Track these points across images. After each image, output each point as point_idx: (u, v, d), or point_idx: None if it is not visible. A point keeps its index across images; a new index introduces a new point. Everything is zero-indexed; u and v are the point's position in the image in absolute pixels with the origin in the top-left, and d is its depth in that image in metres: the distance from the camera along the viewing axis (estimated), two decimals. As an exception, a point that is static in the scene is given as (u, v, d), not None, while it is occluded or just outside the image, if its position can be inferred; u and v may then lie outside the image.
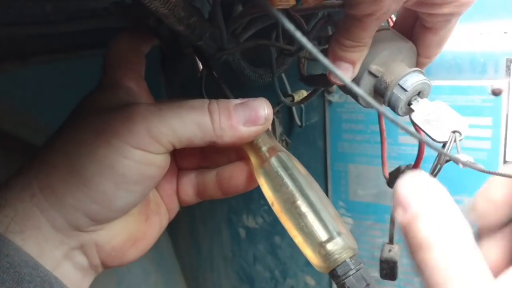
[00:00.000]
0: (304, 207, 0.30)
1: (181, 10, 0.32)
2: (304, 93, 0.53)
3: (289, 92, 0.60)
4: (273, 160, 0.32)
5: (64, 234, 0.29)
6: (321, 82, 0.45)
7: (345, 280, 0.28)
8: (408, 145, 0.58)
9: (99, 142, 0.29)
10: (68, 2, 0.43)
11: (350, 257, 0.29)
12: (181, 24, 0.33)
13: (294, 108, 0.64)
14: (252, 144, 0.33)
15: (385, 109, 0.19)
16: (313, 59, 0.42)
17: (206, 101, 0.31)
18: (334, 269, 0.28)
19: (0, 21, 0.46)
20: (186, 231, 0.93)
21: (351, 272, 0.28)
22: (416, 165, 0.42)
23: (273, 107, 0.50)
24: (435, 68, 0.54)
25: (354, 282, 0.28)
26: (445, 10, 0.30)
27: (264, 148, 0.33)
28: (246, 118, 0.31)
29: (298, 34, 0.14)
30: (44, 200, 0.28)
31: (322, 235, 0.29)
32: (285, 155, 0.33)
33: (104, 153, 0.29)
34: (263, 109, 0.32)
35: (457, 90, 0.53)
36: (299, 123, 0.64)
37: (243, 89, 0.59)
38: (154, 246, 0.39)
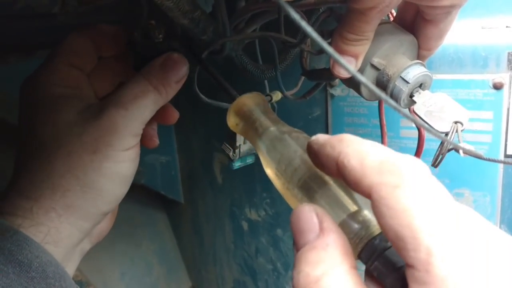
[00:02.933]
0: (322, 175, 0.27)
1: (186, 4, 0.32)
2: (279, 95, 0.54)
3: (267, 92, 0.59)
4: (273, 129, 0.33)
5: (82, 237, 0.36)
6: (324, 76, 0.46)
7: (385, 253, 0.23)
8: (409, 139, 0.59)
9: (100, 158, 0.34)
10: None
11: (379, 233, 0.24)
12: (186, 18, 0.34)
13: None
14: (250, 119, 0.35)
15: (387, 97, 0.19)
16: (316, 53, 0.42)
17: (142, 80, 0.36)
18: (368, 243, 0.24)
19: (6, 13, 0.47)
20: (189, 224, 0.94)
21: (388, 245, 0.23)
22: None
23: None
24: (437, 61, 0.54)
25: (390, 257, 0.23)
26: (445, 2, 0.30)
27: (261, 120, 0.34)
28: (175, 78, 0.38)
29: (304, 23, 0.15)
30: (69, 215, 0.34)
31: (350, 205, 0.26)
32: (285, 125, 0.33)
33: (107, 166, 0.34)
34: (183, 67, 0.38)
35: (459, 83, 0.54)
36: None
37: (242, 83, 0.60)
38: (157, 239, 0.42)
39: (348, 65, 0.18)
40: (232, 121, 0.37)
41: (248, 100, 0.36)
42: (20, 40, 0.59)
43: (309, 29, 0.15)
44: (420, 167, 0.21)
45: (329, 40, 0.36)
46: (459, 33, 0.53)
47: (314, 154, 0.25)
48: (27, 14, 0.45)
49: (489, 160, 0.23)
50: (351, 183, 0.22)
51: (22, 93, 0.37)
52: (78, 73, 0.37)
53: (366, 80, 0.17)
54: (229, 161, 0.51)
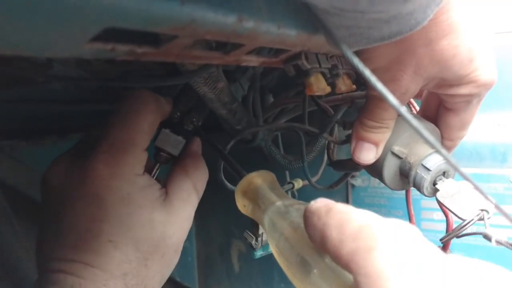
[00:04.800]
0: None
1: (226, 96, 0.35)
2: (300, 182, 0.55)
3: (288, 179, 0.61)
4: (277, 204, 0.31)
5: None
6: (348, 166, 0.47)
7: None
8: (431, 231, 0.59)
9: (178, 256, 0.37)
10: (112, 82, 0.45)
11: None
12: (224, 109, 0.36)
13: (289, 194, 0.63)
14: (256, 196, 0.34)
15: (413, 120, 0.21)
16: (340, 143, 0.45)
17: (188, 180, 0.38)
18: None
19: (43, 98, 0.50)
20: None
21: None
22: (445, 247, 0.42)
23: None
24: (456, 156, 0.56)
25: None
26: (464, 90, 0.31)
27: (266, 196, 0.33)
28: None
29: (366, 71, 0.17)
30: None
31: (348, 279, 0.24)
32: (289, 199, 0.32)
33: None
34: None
35: (479, 177, 0.55)
36: None
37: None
38: None
39: (388, 94, 0.19)
40: (240, 202, 0.35)
41: (255, 178, 0.35)
42: (55, 124, 0.63)
43: (369, 74, 0.17)
44: (403, 229, 0.21)
45: (350, 132, 0.38)
46: (477, 129, 0.55)
47: (305, 225, 0.25)
48: (61, 98, 0.48)
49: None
50: (332, 256, 0.22)
51: (101, 182, 0.34)
52: (146, 155, 0.36)
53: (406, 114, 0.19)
54: (250, 249, 0.51)
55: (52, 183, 0.35)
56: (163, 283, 0.36)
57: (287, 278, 0.75)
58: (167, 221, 0.34)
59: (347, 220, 0.22)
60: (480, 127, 0.56)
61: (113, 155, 0.34)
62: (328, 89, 0.29)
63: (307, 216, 0.25)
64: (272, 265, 0.76)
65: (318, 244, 0.24)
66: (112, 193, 0.33)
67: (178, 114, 0.39)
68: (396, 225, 0.22)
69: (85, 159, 0.34)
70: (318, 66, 0.28)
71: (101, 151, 0.34)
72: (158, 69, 0.34)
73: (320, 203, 0.25)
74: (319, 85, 0.28)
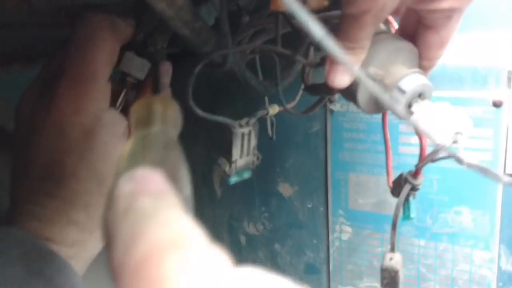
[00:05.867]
0: None
1: (187, 14, 0.32)
2: (276, 108, 0.54)
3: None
4: None
5: None
6: (323, 90, 0.46)
7: None
8: (408, 155, 0.59)
9: None
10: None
11: None
12: (187, 28, 0.34)
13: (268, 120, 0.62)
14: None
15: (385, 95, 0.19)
16: (315, 66, 0.42)
17: None
18: None
19: (11, 22, 0.47)
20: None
21: None
22: (417, 172, 0.42)
23: (251, 118, 0.50)
24: (436, 79, 0.55)
25: None
26: (444, 4, 0.29)
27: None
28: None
29: (306, 17, 0.15)
30: None
31: None
32: None
33: None
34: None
35: (459, 101, 0.54)
36: (270, 135, 0.63)
37: (241, 97, 0.60)
38: None
39: (349, 60, 0.17)
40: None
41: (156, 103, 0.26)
42: (23, 49, 0.60)
43: (313, 25, 0.15)
44: (202, 270, 0.13)
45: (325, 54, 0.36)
46: (458, 51, 0.53)
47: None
48: (28, 22, 0.46)
49: (492, 176, 0.23)
50: None
51: (63, 117, 0.34)
52: (109, 86, 0.36)
53: (365, 76, 0.17)
54: (226, 177, 0.51)
55: (23, 113, 0.36)
56: None
57: (268, 201, 0.76)
58: None
59: (138, 236, 0.14)
60: (463, 49, 0.53)
61: (75, 89, 0.34)
62: (325, 3, 0.27)
63: (109, 198, 0.17)
64: (252, 190, 0.76)
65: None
66: (75, 128, 0.34)
67: (142, 35, 0.37)
68: (202, 261, 0.13)
69: (51, 91, 0.34)
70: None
71: (62, 85, 0.34)
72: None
73: (130, 185, 0.16)
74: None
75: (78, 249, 0.35)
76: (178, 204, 0.15)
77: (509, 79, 0.51)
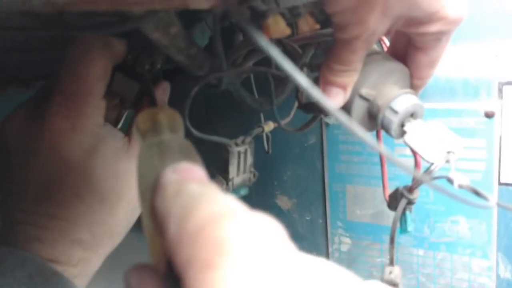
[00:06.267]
0: None
1: (181, 42, 0.33)
2: (271, 125, 0.54)
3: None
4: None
5: None
6: (317, 109, 0.46)
7: None
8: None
9: None
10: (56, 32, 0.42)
11: None
12: (182, 55, 0.34)
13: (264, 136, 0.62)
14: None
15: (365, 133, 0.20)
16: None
17: None
18: None
19: (5, 47, 0.48)
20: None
21: None
22: (412, 187, 0.42)
23: (247, 136, 0.50)
24: (429, 91, 0.55)
25: None
26: (433, 28, 0.30)
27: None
28: None
29: (284, 61, 0.15)
30: None
31: None
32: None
33: None
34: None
35: (451, 112, 0.55)
36: (266, 149, 0.64)
37: (237, 114, 0.60)
38: None
39: (325, 100, 0.18)
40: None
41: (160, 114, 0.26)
42: (18, 72, 0.60)
43: (289, 68, 0.16)
44: (258, 233, 0.15)
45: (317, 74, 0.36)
46: (450, 63, 0.54)
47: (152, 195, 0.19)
48: (23, 47, 0.46)
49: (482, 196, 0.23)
50: (169, 255, 0.16)
51: (59, 136, 0.33)
52: (104, 103, 0.35)
53: (346, 117, 0.18)
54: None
55: (11, 135, 0.34)
56: (130, 226, 0.37)
57: (266, 214, 0.76)
58: (132, 170, 0.33)
59: (192, 210, 0.16)
60: (454, 61, 0.54)
61: (70, 107, 0.33)
62: (287, 31, 0.27)
63: (155, 187, 0.19)
64: (251, 203, 0.76)
65: (158, 231, 0.18)
66: (74, 147, 0.33)
67: (130, 57, 0.37)
68: (249, 228, 0.15)
69: (42, 112, 0.33)
70: (276, 6, 0.26)
71: (57, 103, 0.33)
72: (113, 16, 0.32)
73: (175, 175, 0.18)
74: (277, 27, 0.26)
75: (83, 267, 0.34)
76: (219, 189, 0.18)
77: (500, 90, 0.52)
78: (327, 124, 0.64)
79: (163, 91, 0.40)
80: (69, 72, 0.33)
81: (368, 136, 0.19)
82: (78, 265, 0.34)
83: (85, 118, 0.33)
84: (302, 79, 0.14)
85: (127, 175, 0.35)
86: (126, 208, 0.35)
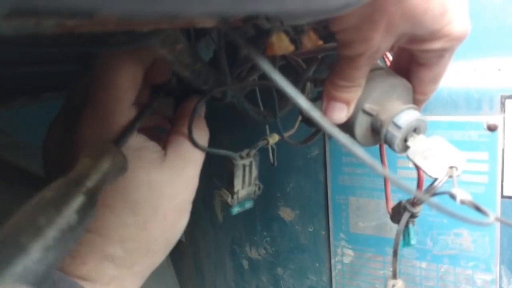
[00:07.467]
0: None
1: (187, 57, 0.33)
2: (276, 137, 0.54)
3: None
4: None
5: None
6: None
7: None
8: (407, 179, 0.59)
9: (185, 216, 0.38)
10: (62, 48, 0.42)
11: None
12: (187, 70, 0.35)
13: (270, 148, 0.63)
14: None
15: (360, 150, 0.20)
16: (312, 101, 0.43)
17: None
18: None
19: (13, 59, 0.49)
20: (190, 262, 0.93)
21: None
22: (414, 201, 0.42)
23: (252, 149, 0.51)
24: (431, 104, 0.56)
25: None
26: (437, 45, 0.30)
27: None
28: None
29: (285, 85, 0.16)
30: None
31: None
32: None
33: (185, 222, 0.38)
34: None
35: (454, 125, 0.55)
36: (271, 161, 0.64)
37: (242, 126, 0.61)
38: (158, 277, 0.40)
39: (318, 115, 0.18)
40: None
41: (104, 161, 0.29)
42: (27, 84, 0.61)
43: (289, 89, 0.16)
44: None
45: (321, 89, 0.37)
46: (452, 76, 0.55)
47: None
48: (33, 60, 0.47)
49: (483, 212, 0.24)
50: None
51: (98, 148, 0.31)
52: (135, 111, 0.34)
53: (338, 131, 0.18)
54: (227, 206, 0.51)
55: (49, 150, 0.35)
56: (170, 246, 0.36)
57: (269, 226, 0.76)
58: (167, 182, 0.33)
59: None
60: (457, 74, 0.55)
61: (98, 117, 0.32)
62: (291, 48, 0.27)
63: None
64: (254, 215, 0.77)
65: None
66: None
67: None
68: None
69: (73, 122, 0.33)
70: (280, 24, 0.26)
71: (88, 115, 0.32)
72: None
73: None
74: (280, 45, 0.26)
75: (115, 287, 0.32)
76: None
77: (502, 103, 0.52)
78: (330, 136, 0.65)
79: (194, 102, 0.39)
80: (98, 81, 0.32)
81: (368, 158, 0.19)
82: (111, 284, 0.32)
83: (114, 127, 0.32)
84: (303, 101, 0.14)
85: (162, 187, 0.33)
86: (162, 223, 0.33)
